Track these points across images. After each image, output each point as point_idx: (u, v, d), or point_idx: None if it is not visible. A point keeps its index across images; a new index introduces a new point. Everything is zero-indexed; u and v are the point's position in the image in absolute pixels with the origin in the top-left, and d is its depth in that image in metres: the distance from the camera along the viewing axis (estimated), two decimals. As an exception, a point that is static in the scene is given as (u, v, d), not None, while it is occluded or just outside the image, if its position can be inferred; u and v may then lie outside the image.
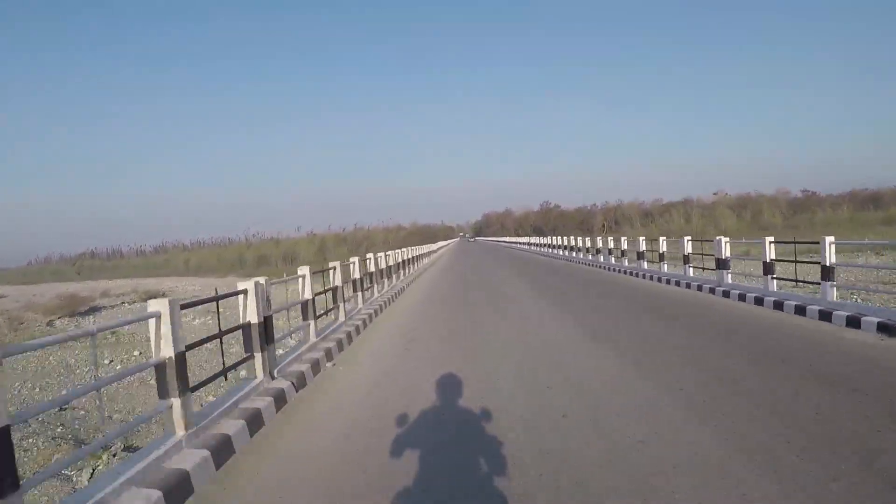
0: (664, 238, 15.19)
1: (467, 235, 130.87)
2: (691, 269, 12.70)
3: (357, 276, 9.47)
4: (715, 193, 44.28)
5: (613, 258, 19.74)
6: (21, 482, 2.08)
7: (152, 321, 3.11)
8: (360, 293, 9.63)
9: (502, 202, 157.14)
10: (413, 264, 19.49)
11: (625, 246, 18.60)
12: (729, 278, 10.60)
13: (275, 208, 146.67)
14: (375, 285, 11.32)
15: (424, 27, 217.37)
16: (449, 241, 67.24)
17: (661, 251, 14.88)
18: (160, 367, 3.10)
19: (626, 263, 18.03)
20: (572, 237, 26.28)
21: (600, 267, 19.97)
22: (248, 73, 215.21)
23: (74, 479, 3.85)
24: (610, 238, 19.96)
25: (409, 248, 19.66)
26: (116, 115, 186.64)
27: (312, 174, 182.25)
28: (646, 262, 16.11)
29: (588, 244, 23.85)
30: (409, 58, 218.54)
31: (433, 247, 35.18)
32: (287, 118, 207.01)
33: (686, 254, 12.96)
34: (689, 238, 13.18)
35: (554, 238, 31.32)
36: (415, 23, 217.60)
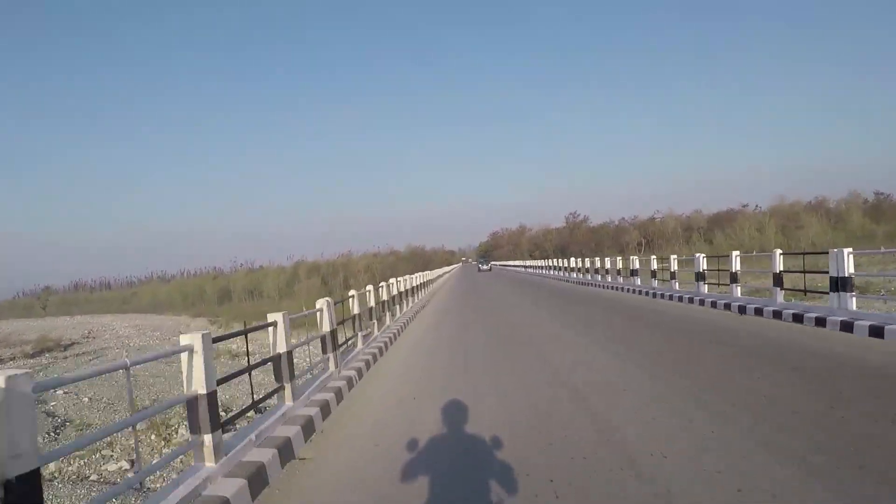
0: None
1: (472, 260, 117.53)
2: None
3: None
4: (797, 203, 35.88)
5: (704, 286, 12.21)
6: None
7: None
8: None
9: (512, 222, 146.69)
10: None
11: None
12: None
13: (273, 236, 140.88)
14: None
15: (428, 37, 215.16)
16: (449, 269, 49.00)
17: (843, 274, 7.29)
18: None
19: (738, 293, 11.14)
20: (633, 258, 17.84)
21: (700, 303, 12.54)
22: (243, 94, 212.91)
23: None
24: (702, 256, 12.25)
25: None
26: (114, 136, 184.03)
27: (316, 200, 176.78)
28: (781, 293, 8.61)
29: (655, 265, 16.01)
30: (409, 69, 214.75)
31: (419, 278, 18.53)
32: (287, 141, 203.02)
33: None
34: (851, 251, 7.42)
35: (594, 261, 21.60)
36: (416, 35, 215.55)
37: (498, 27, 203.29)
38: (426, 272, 20.69)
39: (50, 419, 7.78)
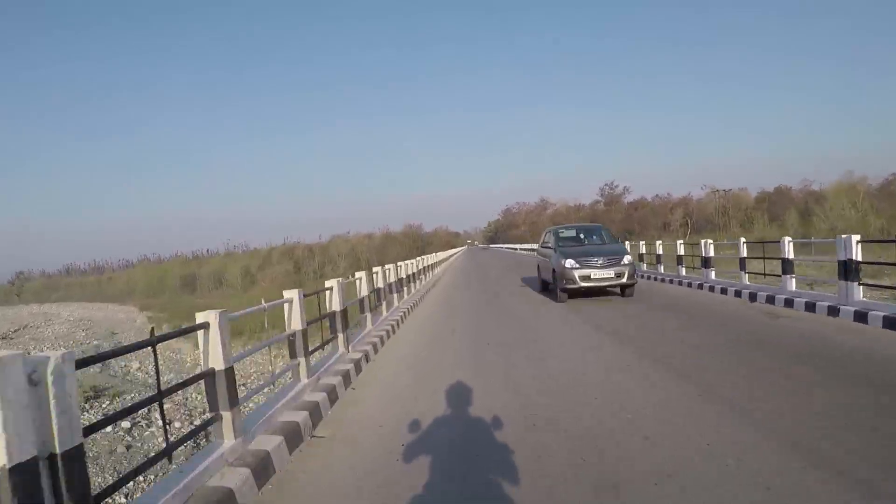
0: None
1: (479, 243, 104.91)
2: None
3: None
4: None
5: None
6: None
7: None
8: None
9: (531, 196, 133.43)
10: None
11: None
12: None
13: (279, 218, 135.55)
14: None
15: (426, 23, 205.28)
16: (451, 254, 40.62)
17: None
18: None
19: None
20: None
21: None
22: (240, 80, 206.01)
23: None
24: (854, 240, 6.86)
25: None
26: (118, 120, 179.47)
27: (334, 180, 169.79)
28: None
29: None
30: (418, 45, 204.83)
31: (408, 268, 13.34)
32: (297, 127, 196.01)
33: None
34: None
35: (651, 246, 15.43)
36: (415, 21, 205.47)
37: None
38: (412, 261, 14.34)
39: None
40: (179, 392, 8.59)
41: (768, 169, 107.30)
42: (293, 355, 4.61)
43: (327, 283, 6.06)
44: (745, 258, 10.32)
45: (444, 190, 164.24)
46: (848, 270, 6.98)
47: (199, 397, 8.10)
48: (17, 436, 1.69)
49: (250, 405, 5.69)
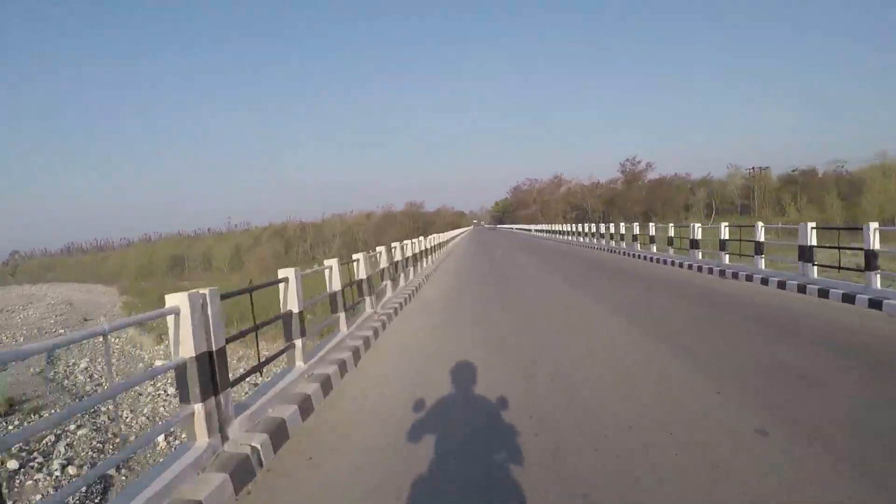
0: None
1: (485, 223, 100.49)
2: None
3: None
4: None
5: None
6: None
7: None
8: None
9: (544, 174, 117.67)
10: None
11: None
12: None
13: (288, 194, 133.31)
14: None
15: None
16: (456, 234, 37.66)
17: None
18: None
19: None
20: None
21: None
22: (246, 56, 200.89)
23: None
24: None
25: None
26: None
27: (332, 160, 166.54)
28: None
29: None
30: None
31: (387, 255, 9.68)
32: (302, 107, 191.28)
33: None
34: None
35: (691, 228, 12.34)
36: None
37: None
38: (409, 242, 12.36)
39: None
40: (105, 414, 6.87)
41: (784, 149, 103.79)
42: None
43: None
44: (812, 246, 8.39)
45: (451, 167, 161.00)
46: None
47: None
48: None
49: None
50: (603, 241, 21.87)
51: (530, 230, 48.08)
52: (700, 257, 12.15)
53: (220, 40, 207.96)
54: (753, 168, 36.19)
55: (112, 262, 49.12)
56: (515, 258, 18.10)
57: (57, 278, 56.00)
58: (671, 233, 14.51)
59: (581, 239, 26.36)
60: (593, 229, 24.58)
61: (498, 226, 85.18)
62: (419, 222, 46.44)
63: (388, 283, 8.87)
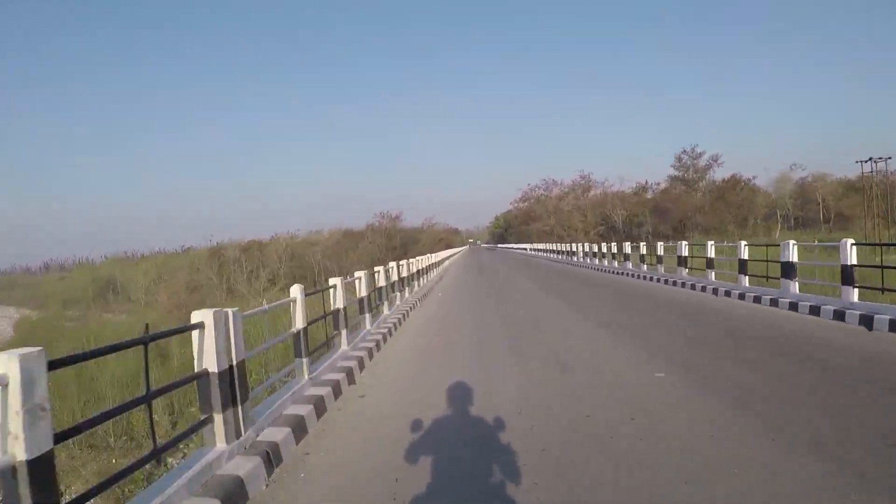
0: None
1: (482, 242, 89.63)
2: None
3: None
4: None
5: None
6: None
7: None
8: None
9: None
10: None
11: None
12: None
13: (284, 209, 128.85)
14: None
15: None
16: (448, 255, 30.39)
17: None
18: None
19: None
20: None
21: None
22: (236, 68, 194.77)
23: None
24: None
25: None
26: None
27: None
28: None
29: None
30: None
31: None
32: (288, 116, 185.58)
33: None
34: None
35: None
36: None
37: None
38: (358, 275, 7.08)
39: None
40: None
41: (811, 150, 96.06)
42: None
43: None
44: None
45: (445, 182, 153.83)
46: None
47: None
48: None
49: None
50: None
51: (544, 253, 33.70)
52: (796, 290, 7.72)
53: (221, 43, 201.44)
54: (870, 159, 26.53)
55: (48, 286, 43.74)
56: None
57: (14, 301, 50.66)
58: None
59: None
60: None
61: (499, 245, 71.68)
62: (395, 240, 37.03)
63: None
